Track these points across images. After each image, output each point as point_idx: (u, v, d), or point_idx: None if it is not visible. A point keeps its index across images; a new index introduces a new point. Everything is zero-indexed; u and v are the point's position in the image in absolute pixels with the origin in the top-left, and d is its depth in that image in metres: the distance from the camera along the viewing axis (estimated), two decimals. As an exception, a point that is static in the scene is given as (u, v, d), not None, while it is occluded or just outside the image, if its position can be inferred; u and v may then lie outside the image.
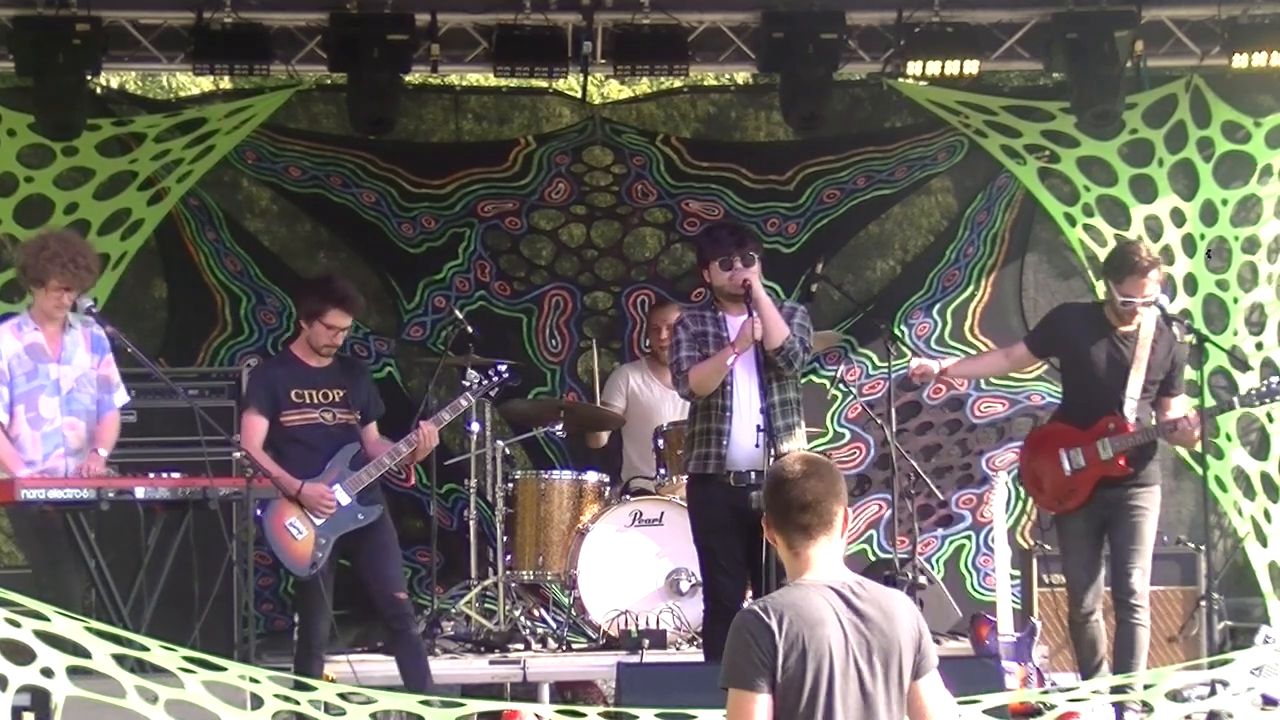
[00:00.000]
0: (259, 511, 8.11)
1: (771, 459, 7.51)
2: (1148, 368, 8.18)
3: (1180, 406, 8.35)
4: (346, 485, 8.12)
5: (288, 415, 8.18)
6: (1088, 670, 8.17)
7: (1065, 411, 8.52)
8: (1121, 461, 8.14)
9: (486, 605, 9.61)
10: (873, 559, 10.72)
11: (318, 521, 8.10)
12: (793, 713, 4.30)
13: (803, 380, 8.29)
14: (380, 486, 8.36)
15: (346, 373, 8.35)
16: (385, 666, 8.62)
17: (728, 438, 7.73)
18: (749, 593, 7.62)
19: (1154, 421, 8.25)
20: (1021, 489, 9.24)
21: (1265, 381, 8.72)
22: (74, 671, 5.97)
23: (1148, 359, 8.18)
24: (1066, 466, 8.24)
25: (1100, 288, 9.07)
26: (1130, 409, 8.16)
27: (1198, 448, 8.78)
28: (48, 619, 6.07)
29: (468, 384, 8.62)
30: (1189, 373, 9.02)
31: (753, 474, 7.60)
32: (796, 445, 7.90)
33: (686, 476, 8.04)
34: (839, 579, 4.44)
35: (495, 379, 8.72)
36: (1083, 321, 8.36)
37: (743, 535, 7.60)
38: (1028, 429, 10.15)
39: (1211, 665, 7.97)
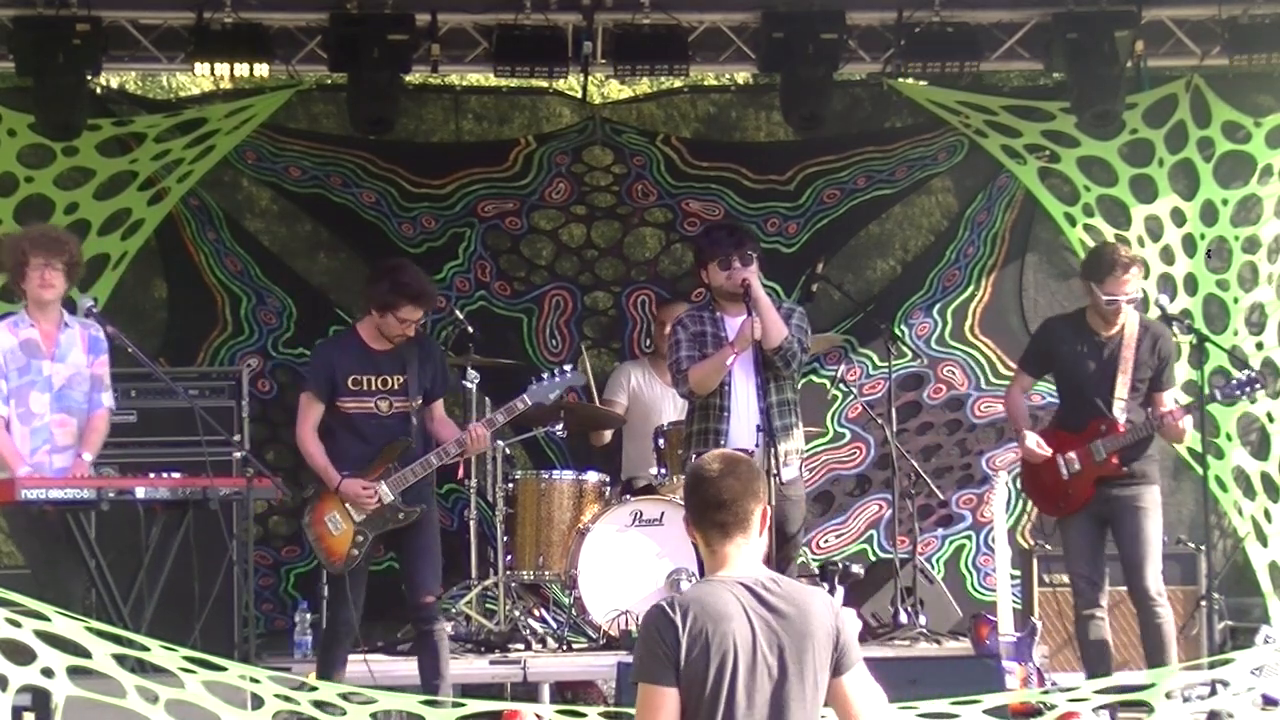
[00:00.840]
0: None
1: (771, 459, 7.51)
2: (1134, 366, 8.24)
3: (1171, 400, 8.40)
4: (391, 482, 7.91)
5: (344, 401, 7.96)
6: (1093, 673, 8.16)
7: (1060, 417, 8.60)
8: (1114, 460, 8.21)
9: (487, 605, 9.59)
10: (873, 559, 10.73)
11: (358, 517, 7.94)
12: (697, 705, 4.32)
13: (803, 380, 8.28)
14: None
15: (410, 355, 8.00)
16: (385, 666, 8.62)
17: (725, 438, 7.72)
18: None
19: (1145, 418, 8.27)
20: (1022, 489, 9.23)
21: (1239, 375, 8.71)
22: (74, 671, 5.97)
23: (1134, 359, 8.24)
24: (1064, 471, 8.32)
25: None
26: (1120, 410, 8.22)
27: (1187, 441, 8.81)
28: (48, 619, 6.07)
29: (532, 384, 8.33)
30: (1190, 373, 9.01)
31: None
32: (794, 446, 7.91)
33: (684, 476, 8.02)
34: (751, 575, 4.45)
35: (559, 379, 8.39)
36: (1067, 331, 8.43)
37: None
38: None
39: (1211, 665, 7.96)
